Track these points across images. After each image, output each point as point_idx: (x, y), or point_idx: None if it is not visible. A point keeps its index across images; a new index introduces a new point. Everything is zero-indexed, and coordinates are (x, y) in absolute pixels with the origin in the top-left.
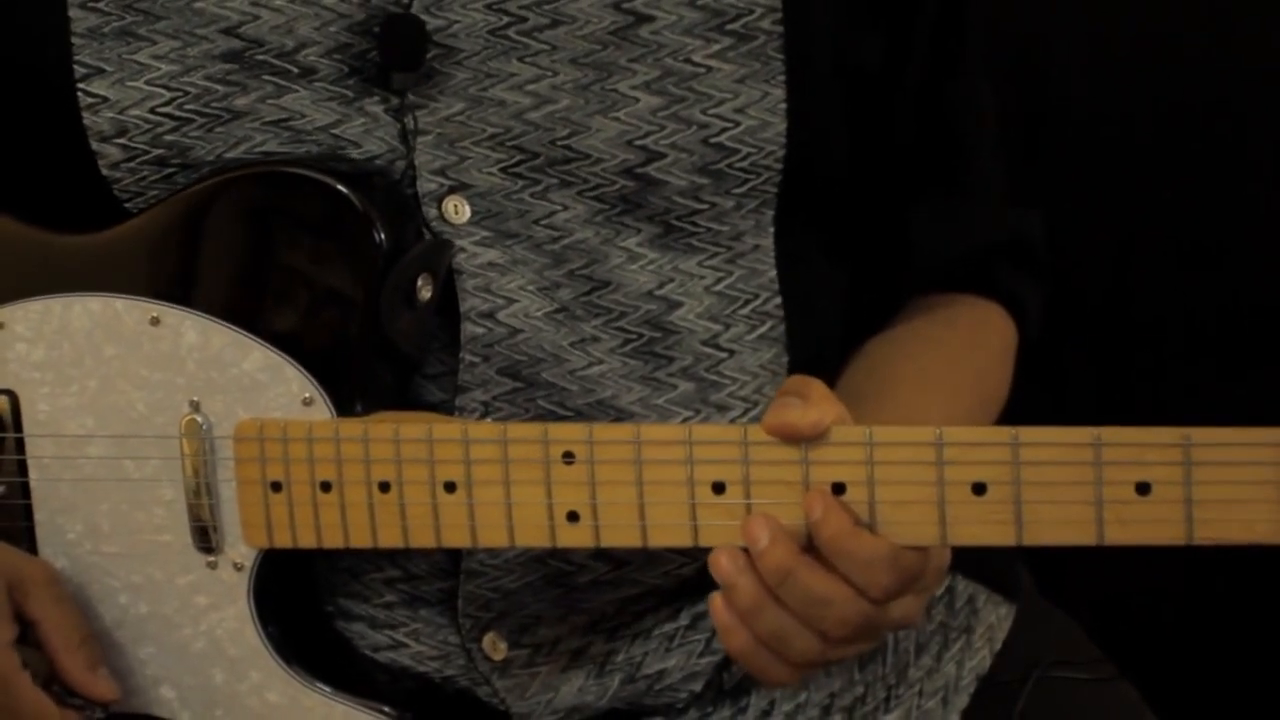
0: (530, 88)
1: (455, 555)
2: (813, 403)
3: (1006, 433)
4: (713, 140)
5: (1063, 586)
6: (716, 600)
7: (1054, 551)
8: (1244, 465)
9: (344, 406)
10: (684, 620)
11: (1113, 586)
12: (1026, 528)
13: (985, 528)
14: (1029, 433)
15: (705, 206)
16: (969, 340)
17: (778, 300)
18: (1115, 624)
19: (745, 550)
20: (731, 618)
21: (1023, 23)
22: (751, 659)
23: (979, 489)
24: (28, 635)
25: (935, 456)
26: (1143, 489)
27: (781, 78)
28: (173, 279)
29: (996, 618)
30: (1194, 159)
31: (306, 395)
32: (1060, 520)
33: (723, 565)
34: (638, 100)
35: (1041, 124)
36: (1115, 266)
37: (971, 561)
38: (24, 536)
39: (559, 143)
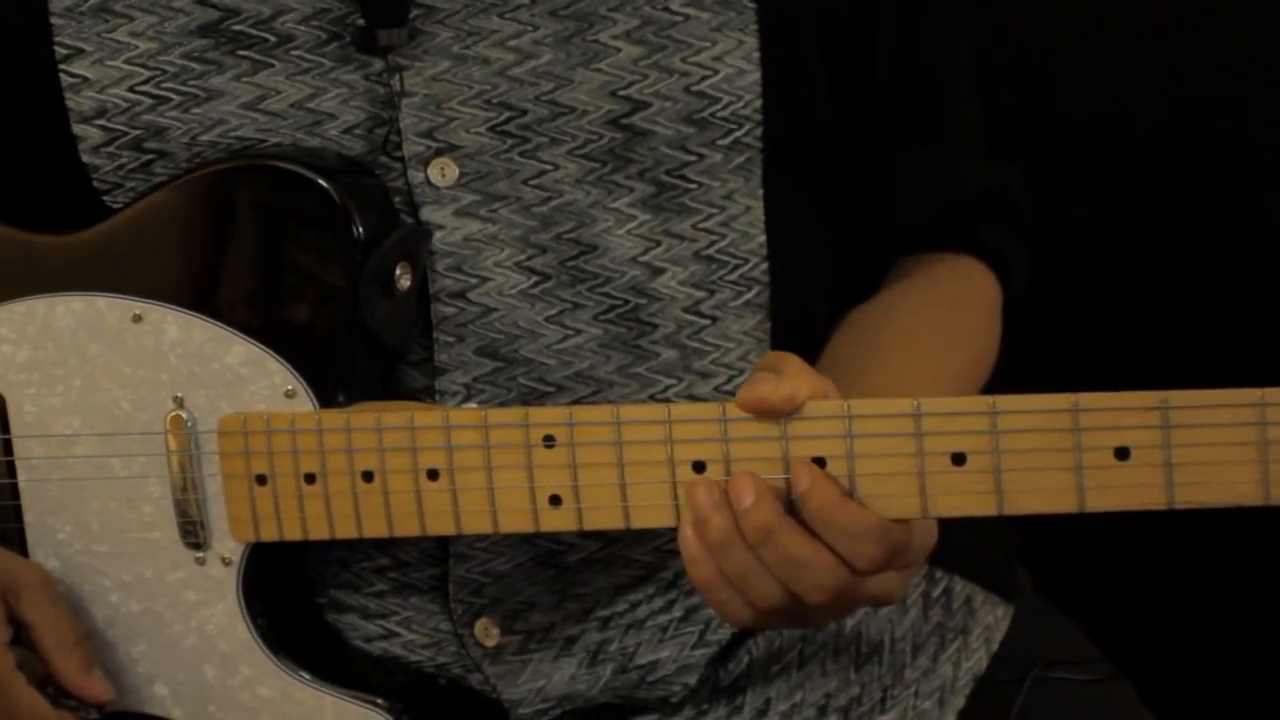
0: (513, 43)
1: (445, 542)
2: (786, 377)
3: (984, 402)
4: (694, 88)
5: (1061, 586)
6: (687, 531)
7: (1052, 551)
8: (1222, 426)
9: (326, 398)
10: (677, 612)
11: (1110, 586)
12: (1007, 497)
13: (966, 498)
14: (1007, 401)
15: (694, 158)
16: (953, 299)
17: (765, 266)
18: (1113, 624)
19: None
20: (700, 549)
21: (1022, 23)
22: (714, 592)
23: (959, 459)
24: (22, 638)
25: (914, 428)
26: (1122, 454)
27: (754, 26)
28: (153, 276)
29: (994, 618)
30: (1194, 158)
31: (289, 388)
32: (1040, 488)
33: (699, 499)
34: (619, 50)
35: (1041, 124)
36: (1116, 266)
37: (969, 562)
38: (14, 538)
39: (544, 97)
